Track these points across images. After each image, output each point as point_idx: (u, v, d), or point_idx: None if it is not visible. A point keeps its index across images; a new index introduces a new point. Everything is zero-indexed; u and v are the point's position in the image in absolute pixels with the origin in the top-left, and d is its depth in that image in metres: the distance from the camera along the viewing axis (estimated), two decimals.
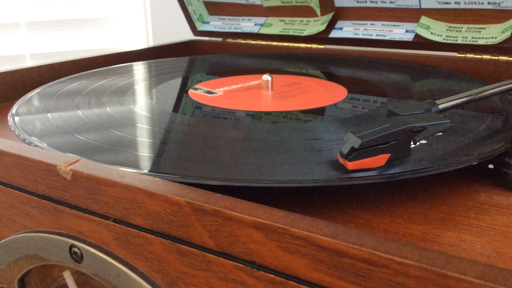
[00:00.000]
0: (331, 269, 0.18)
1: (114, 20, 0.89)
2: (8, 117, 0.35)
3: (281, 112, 0.36)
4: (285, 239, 0.19)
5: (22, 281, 0.30)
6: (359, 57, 0.57)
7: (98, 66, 0.56)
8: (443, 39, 0.51)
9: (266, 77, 0.43)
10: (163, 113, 0.36)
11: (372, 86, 0.44)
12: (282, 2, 0.63)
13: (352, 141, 0.25)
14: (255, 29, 0.65)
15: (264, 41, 0.65)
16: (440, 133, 0.27)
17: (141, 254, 0.23)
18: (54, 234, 0.26)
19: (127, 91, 0.43)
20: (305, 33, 0.60)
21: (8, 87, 0.48)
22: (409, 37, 0.54)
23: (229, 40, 0.67)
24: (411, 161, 0.26)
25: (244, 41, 0.66)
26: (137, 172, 0.24)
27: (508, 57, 0.48)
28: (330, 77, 0.49)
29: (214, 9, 0.70)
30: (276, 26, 0.64)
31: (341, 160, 0.25)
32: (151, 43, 0.91)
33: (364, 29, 0.57)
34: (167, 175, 0.25)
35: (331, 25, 0.59)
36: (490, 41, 0.49)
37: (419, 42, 0.53)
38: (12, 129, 0.33)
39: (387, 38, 0.55)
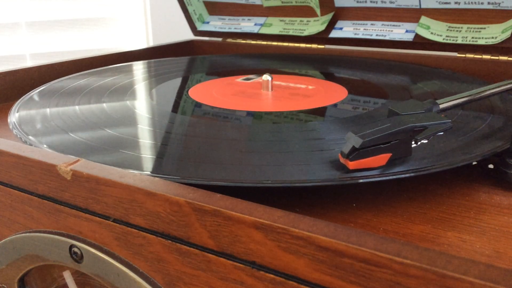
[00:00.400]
0: (331, 269, 0.18)
1: (114, 20, 0.89)
2: (8, 117, 0.35)
3: (282, 112, 0.36)
4: (285, 239, 0.19)
5: (22, 281, 0.30)
6: (359, 57, 0.57)
7: (98, 66, 0.56)
8: (443, 39, 0.51)
9: (266, 77, 0.43)
10: (163, 113, 0.36)
11: (372, 86, 0.44)
12: (282, 2, 0.63)
13: (353, 140, 0.25)
14: (255, 29, 0.65)
15: (264, 41, 0.65)
16: (441, 133, 0.27)
17: (141, 254, 0.23)
18: (54, 234, 0.26)
19: (127, 91, 0.43)
20: (305, 33, 0.60)
21: (8, 87, 0.48)
22: (409, 37, 0.54)
23: (229, 40, 0.67)
24: (412, 161, 0.26)
25: (244, 41, 0.66)
26: (137, 172, 0.24)
27: (508, 57, 0.48)
28: (330, 77, 0.49)
29: (214, 9, 0.70)
30: (276, 26, 0.64)
31: (342, 160, 0.25)
32: (151, 43, 0.91)
33: (364, 29, 0.57)
34: (167, 176, 0.25)
35: (331, 25, 0.59)
36: (490, 41, 0.49)
37: (419, 42, 0.53)
38: (12, 129, 0.33)
39: (387, 38, 0.55)
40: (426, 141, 0.28)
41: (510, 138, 0.29)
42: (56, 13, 0.86)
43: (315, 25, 0.60)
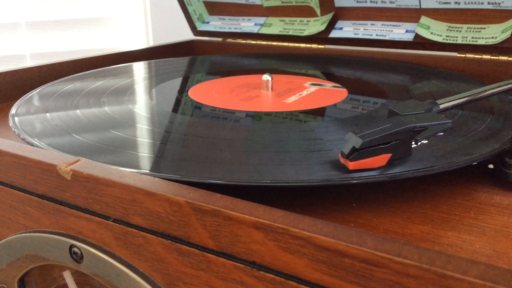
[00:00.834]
0: (331, 269, 0.18)
1: (114, 20, 0.89)
2: (8, 117, 0.35)
3: (281, 113, 0.36)
4: (285, 239, 0.19)
5: (22, 281, 0.30)
6: (359, 57, 0.57)
7: (98, 66, 0.56)
8: (443, 39, 0.51)
9: (266, 77, 0.43)
10: (162, 113, 0.36)
11: (372, 86, 0.44)
12: (282, 2, 0.63)
13: (353, 141, 0.25)
14: (255, 29, 0.65)
15: (264, 41, 0.65)
16: (441, 133, 0.27)
17: (141, 254, 0.23)
18: (54, 234, 0.26)
19: (127, 91, 0.43)
20: (305, 33, 0.60)
21: (8, 87, 0.48)
22: (409, 37, 0.54)
23: (229, 40, 0.67)
24: (412, 161, 0.26)
25: (244, 41, 0.66)
26: (137, 172, 0.24)
27: (508, 57, 0.48)
28: (330, 77, 0.49)
29: (214, 9, 0.70)
30: (276, 26, 0.64)
31: (342, 160, 0.25)
32: (151, 43, 0.91)
33: (364, 29, 0.57)
34: (167, 175, 0.25)
35: (331, 25, 0.59)
36: (490, 41, 0.49)
37: (419, 42, 0.53)
38: (12, 129, 0.33)
39: (387, 38, 0.55)
40: (426, 141, 0.28)
41: (510, 138, 0.29)
42: (56, 13, 0.86)
43: (315, 25, 0.60)
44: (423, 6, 0.53)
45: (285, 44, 0.63)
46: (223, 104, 0.39)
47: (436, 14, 0.53)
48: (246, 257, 0.20)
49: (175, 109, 0.38)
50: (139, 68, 0.53)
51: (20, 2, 0.83)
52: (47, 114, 0.36)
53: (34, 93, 0.42)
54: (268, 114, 0.36)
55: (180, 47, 0.68)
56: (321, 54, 0.59)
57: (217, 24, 0.69)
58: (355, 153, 0.25)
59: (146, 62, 0.57)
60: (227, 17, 0.68)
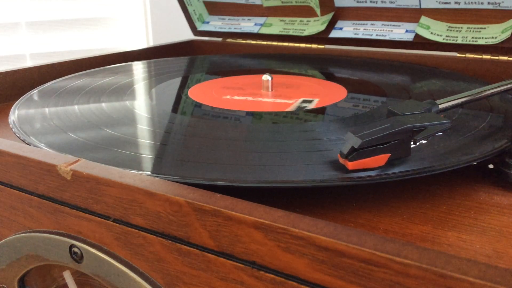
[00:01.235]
0: (331, 269, 0.18)
1: (114, 20, 0.89)
2: (8, 117, 0.35)
3: (281, 113, 0.36)
4: (285, 239, 0.19)
5: (22, 281, 0.30)
6: (359, 57, 0.57)
7: (98, 66, 0.56)
8: (443, 39, 0.51)
9: (266, 77, 0.43)
10: (162, 113, 0.36)
11: (372, 86, 0.44)
12: (282, 2, 0.63)
13: (352, 141, 0.25)
14: (255, 29, 0.65)
15: (264, 41, 0.65)
16: (440, 133, 0.27)
17: (141, 254, 0.23)
18: (54, 234, 0.26)
19: (127, 91, 0.43)
20: (305, 33, 0.60)
21: (8, 87, 0.48)
22: (409, 37, 0.54)
23: (229, 40, 0.67)
24: (411, 161, 0.26)
25: (244, 41, 0.66)
26: (137, 172, 0.24)
27: (508, 57, 0.48)
28: (330, 77, 0.49)
29: (214, 9, 0.70)
30: (276, 26, 0.64)
31: (341, 160, 0.25)
32: (151, 43, 0.91)
33: (364, 29, 0.57)
34: (167, 176, 0.25)
35: (331, 25, 0.59)
36: (490, 41, 0.49)
37: (419, 42, 0.53)
38: (12, 129, 0.33)
39: (387, 38, 0.55)
40: (425, 141, 0.28)
41: (510, 138, 0.29)
42: (56, 13, 0.86)
43: (315, 25, 0.60)
44: (423, 6, 0.53)
45: (285, 44, 0.63)
46: (223, 104, 0.39)
47: (436, 14, 0.53)
48: (246, 257, 0.20)
49: (175, 109, 0.38)
50: (139, 68, 0.53)
51: (20, 2, 0.83)
52: (47, 114, 0.36)
53: (34, 93, 0.42)
54: (268, 114, 0.36)
55: (180, 47, 0.68)
56: (321, 54, 0.59)
57: (217, 24, 0.69)
58: (354, 153, 0.25)
59: (146, 62, 0.57)
60: (227, 17, 0.68)
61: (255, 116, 0.36)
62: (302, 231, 0.18)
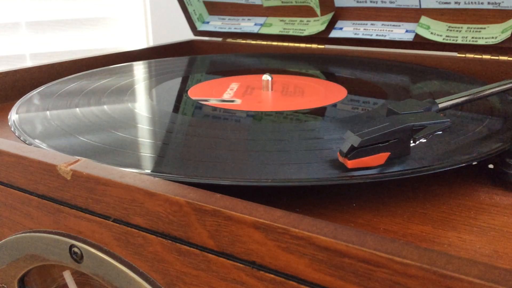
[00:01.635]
0: (331, 269, 0.18)
1: (114, 20, 0.89)
2: (8, 117, 0.35)
3: (281, 112, 0.36)
4: (285, 239, 0.19)
5: (22, 281, 0.30)
6: (359, 57, 0.57)
7: (98, 66, 0.56)
8: (443, 39, 0.51)
9: (266, 77, 0.43)
10: (163, 113, 0.36)
11: (372, 86, 0.44)
12: (282, 2, 0.63)
13: (352, 139, 0.25)
14: (255, 29, 0.65)
15: (264, 41, 0.65)
16: (440, 132, 0.27)
17: (141, 254, 0.23)
18: (54, 234, 0.26)
19: (127, 91, 0.43)
20: (305, 33, 0.60)
21: (8, 87, 0.48)
22: (409, 37, 0.54)
23: (229, 40, 0.67)
24: (411, 160, 0.26)
25: (244, 41, 0.66)
26: (137, 172, 0.24)
27: (508, 57, 0.48)
28: (330, 77, 0.49)
29: (214, 9, 0.70)
30: (276, 26, 0.64)
31: (340, 159, 0.25)
32: (151, 43, 0.91)
33: (364, 29, 0.57)
34: (167, 175, 0.25)
35: (331, 25, 0.59)
36: (490, 41, 0.49)
37: (419, 42, 0.53)
38: (12, 129, 0.33)
39: (387, 38, 0.55)
40: (425, 140, 0.28)
41: (510, 138, 0.29)
42: (56, 13, 0.86)
43: (315, 25, 0.60)
44: (423, 6, 0.53)
45: (285, 44, 0.63)
46: (223, 104, 0.39)
47: (436, 14, 0.53)
48: (246, 257, 0.20)
49: (175, 109, 0.38)
50: (139, 68, 0.53)
51: (20, 2, 0.83)
52: (47, 114, 0.36)
53: (34, 93, 0.42)
54: (268, 113, 0.36)
55: (180, 47, 0.68)
56: (321, 54, 0.59)
57: (217, 24, 0.69)
58: (354, 152, 0.25)
59: (146, 61, 0.57)
60: (227, 17, 0.68)
61: (255, 116, 0.36)
62: (302, 231, 0.18)
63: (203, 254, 0.21)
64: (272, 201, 0.24)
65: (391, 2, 0.55)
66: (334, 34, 0.59)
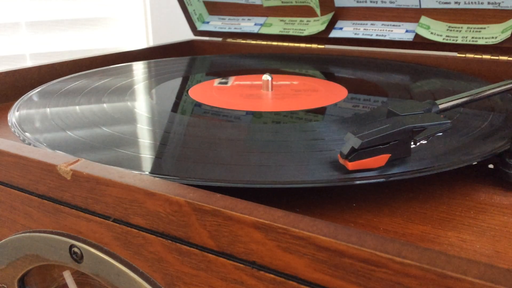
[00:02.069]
0: (331, 269, 0.18)
1: (114, 20, 0.89)
2: (8, 117, 0.35)
3: (281, 112, 0.36)
4: (285, 239, 0.19)
5: (22, 281, 0.30)
6: (359, 57, 0.57)
7: (98, 66, 0.56)
8: (443, 39, 0.51)
9: (266, 77, 0.43)
10: (163, 113, 0.36)
11: (372, 86, 0.44)
12: (282, 2, 0.63)
13: (352, 141, 0.25)
14: (255, 29, 0.65)
15: (264, 41, 0.65)
16: (440, 134, 0.27)
17: (141, 254, 0.23)
18: (54, 234, 0.26)
19: (127, 91, 0.43)
20: (305, 33, 0.60)
21: (8, 87, 0.48)
22: (409, 37, 0.54)
23: (229, 40, 0.67)
24: (411, 161, 0.26)
25: (244, 41, 0.66)
26: (137, 172, 0.24)
27: (508, 57, 0.48)
28: (330, 77, 0.49)
29: (214, 9, 0.70)
30: (276, 26, 0.64)
31: (341, 161, 0.25)
32: (151, 43, 0.91)
33: (364, 29, 0.57)
34: (167, 176, 0.25)
35: (331, 25, 0.59)
36: (490, 41, 0.49)
37: (419, 42, 0.53)
38: (12, 129, 0.33)
39: (387, 38, 0.55)
40: (425, 141, 0.28)
41: (510, 138, 0.29)
42: (56, 13, 0.86)
43: (315, 25, 0.60)
44: (423, 6, 0.53)
45: (285, 44, 0.63)
46: (223, 104, 0.39)
47: (436, 14, 0.53)
48: (246, 257, 0.20)
49: (175, 109, 0.38)
50: (139, 68, 0.53)
51: (20, 2, 0.83)
52: (47, 114, 0.36)
53: (34, 93, 0.42)
54: (268, 114, 0.36)
55: (180, 47, 0.68)
56: (321, 54, 0.59)
57: (217, 24, 0.69)
58: (354, 154, 0.25)
59: (146, 61, 0.57)
60: (227, 17, 0.68)
61: (255, 116, 0.36)
62: (302, 231, 0.18)
63: (203, 254, 0.21)
64: (272, 201, 0.24)
65: (391, 2, 0.55)
66: (334, 34, 0.59)
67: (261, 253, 0.19)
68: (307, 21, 0.62)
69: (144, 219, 0.22)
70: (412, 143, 0.26)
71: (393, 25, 0.56)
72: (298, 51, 0.62)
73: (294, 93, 0.42)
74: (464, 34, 0.51)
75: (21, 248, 0.28)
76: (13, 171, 0.27)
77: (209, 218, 0.20)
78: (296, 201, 0.26)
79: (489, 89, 0.33)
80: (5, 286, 0.30)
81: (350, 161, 0.25)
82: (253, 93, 0.42)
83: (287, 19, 0.63)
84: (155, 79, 0.48)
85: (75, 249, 0.25)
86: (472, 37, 0.50)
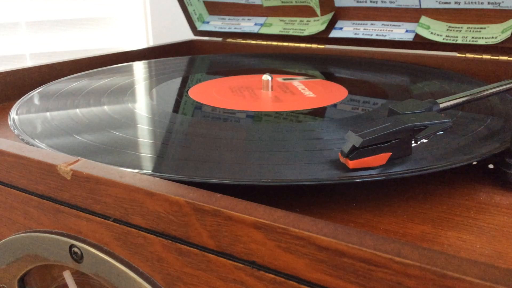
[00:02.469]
0: (331, 269, 0.18)
1: (114, 20, 0.89)
2: (8, 117, 0.35)
3: (281, 112, 0.36)
4: (285, 239, 0.19)
5: (22, 281, 0.30)
6: (359, 57, 0.57)
7: (98, 66, 0.56)
8: (443, 39, 0.51)
9: (266, 77, 0.43)
10: (163, 113, 0.36)
11: (372, 86, 0.44)
12: (282, 2, 0.63)
13: (353, 139, 0.25)
14: (255, 29, 0.65)
15: (264, 41, 0.65)
16: (441, 132, 0.27)
17: (141, 254, 0.23)
18: (54, 234, 0.26)
19: (127, 91, 0.43)
20: (305, 33, 0.60)
21: (8, 87, 0.48)
22: (409, 37, 0.54)
23: (229, 40, 0.67)
24: (412, 160, 0.26)
25: (244, 41, 0.66)
26: (137, 172, 0.24)
27: (508, 57, 0.48)
28: (330, 77, 0.49)
29: (214, 9, 0.70)
30: (276, 26, 0.64)
31: (342, 159, 0.25)
32: (151, 43, 0.91)
33: (364, 29, 0.57)
34: (167, 176, 0.25)
35: (331, 25, 0.59)
36: (490, 41, 0.49)
37: (419, 42, 0.53)
38: (12, 129, 0.33)
39: (387, 38, 0.55)
40: (426, 140, 0.28)
41: (510, 138, 0.29)
42: (56, 13, 0.86)
43: (315, 25, 0.60)
44: (423, 6, 0.53)
45: (285, 44, 0.63)
46: (223, 104, 0.39)
47: (436, 14, 0.53)
48: (246, 257, 0.20)
49: (176, 109, 0.38)
50: (139, 68, 0.53)
51: (20, 2, 0.83)
52: (47, 114, 0.36)
53: (34, 93, 0.42)
54: (268, 113, 0.36)
55: (180, 47, 0.68)
56: (321, 54, 0.59)
57: (217, 24, 0.69)
58: (355, 152, 0.25)
59: (146, 61, 0.57)
60: (227, 17, 0.68)
61: (255, 116, 0.36)
62: (302, 231, 0.18)
63: (203, 254, 0.21)
64: (272, 201, 0.24)
65: (391, 2, 0.55)
66: (334, 34, 0.59)
67: (261, 253, 0.19)
68: (307, 21, 0.62)
69: (144, 219, 0.22)
70: (413, 141, 0.26)
71: (393, 25, 0.56)
72: (298, 51, 0.62)
73: (294, 93, 0.42)
74: (464, 34, 0.51)
75: (21, 248, 0.28)
76: (13, 171, 0.27)
77: (209, 218, 0.20)
78: (296, 201, 0.26)
79: (489, 89, 0.33)
80: (5, 286, 0.30)
81: (351, 159, 0.25)
82: (253, 93, 0.42)
83: (287, 19, 0.63)
84: (155, 79, 0.48)
85: (75, 249, 0.25)
86: (472, 37, 0.50)
